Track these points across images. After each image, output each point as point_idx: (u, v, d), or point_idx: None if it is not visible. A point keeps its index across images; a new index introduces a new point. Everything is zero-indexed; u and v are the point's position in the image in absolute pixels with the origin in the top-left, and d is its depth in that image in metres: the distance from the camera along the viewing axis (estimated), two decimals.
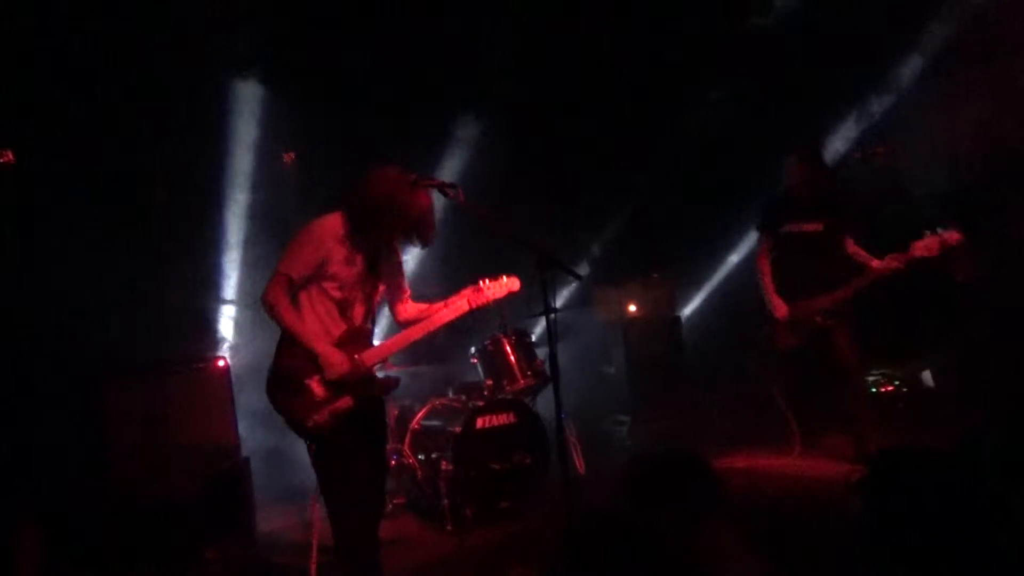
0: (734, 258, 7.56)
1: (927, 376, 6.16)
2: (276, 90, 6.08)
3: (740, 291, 7.13)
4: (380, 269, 3.51)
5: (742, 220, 7.34)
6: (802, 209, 5.07)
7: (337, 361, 3.26)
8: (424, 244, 3.49)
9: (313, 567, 3.98)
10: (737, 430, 6.13)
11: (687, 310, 7.82)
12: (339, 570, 3.36)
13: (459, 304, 3.53)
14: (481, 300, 3.53)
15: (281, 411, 3.31)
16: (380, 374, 3.55)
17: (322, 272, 3.31)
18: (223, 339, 6.08)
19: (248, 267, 6.18)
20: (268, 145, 6.17)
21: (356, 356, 3.34)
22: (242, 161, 6.14)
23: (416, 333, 3.52)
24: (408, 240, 3.46)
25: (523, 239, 3.30)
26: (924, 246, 4.62)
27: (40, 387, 4.64)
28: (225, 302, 6.06)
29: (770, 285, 5.20)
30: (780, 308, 5.13)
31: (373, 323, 3.55)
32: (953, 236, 4.56)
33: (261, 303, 3.31)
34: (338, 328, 3.35)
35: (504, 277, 3.58)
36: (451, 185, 3.39)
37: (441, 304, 3.57)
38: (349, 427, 3.29)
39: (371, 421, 3.48)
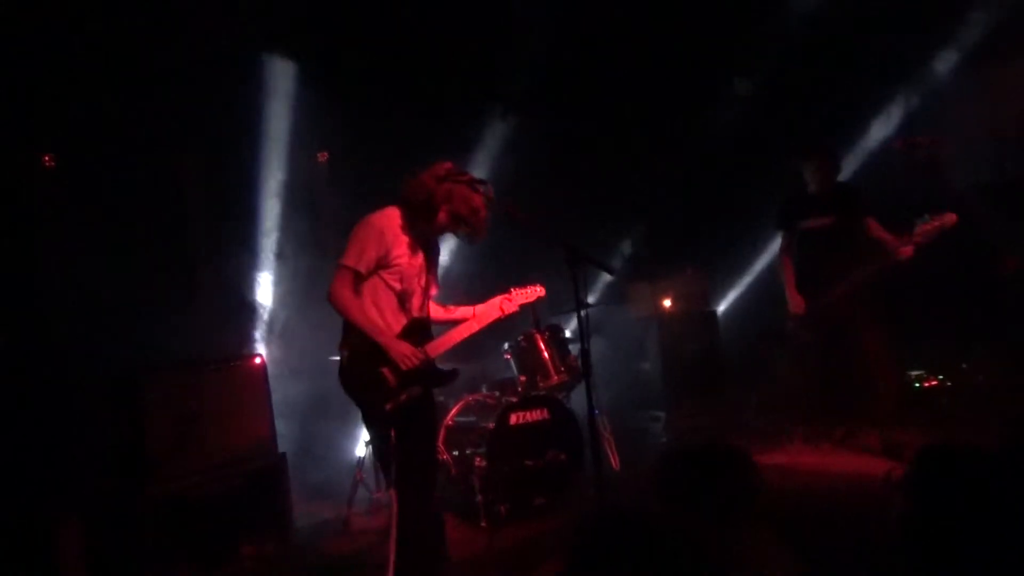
0: (771, 250, 7.45)
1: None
2: (308, 86, 6.13)
3: (777, 284, 7.07)
4: (432, 262, 3.62)
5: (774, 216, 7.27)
6: (814, 205, 5.22)
7: (409, 352, 3.36)
8: (475, 239, 3.56)
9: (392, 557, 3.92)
10: (774, 426, 6.06)
11: (723, 305, 7.75)
12: (408, 557, 3.36)
13: (491, 312, 3.71)
14: (512, 308, 3.75)
15: (358, 401, 3.41)
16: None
17: (384, 264, 3.40)
18: (258, 337, 6.17)
19: (282, 263, 6.26)
20: (301, 142, 6.22)
21: (424, 348, 3.47)
22: (275, 158, 6.20)
23: (465, 332, 3.67)
24: (462, 233, 3.54)
25: (553, 235, 3.30)
26: (922, 232, 4.75)
27: (78, 385, 4.75)
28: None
29: (790, 281, 5.34)
30: (796, 303, 5.26)
31: (428, 315, 3.65)
32: (950, 218, 4.70)
33: (328, 299, 3.39)
34: (399, 320, 3.46)
35: (530, 286, 3.85)
36: (481, 181, 3.43)
37: (469, 308, 3.73)
38: (420, 414, 3.44)
39: (432, 410, 3.62)
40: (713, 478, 2.07)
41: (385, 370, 3.36)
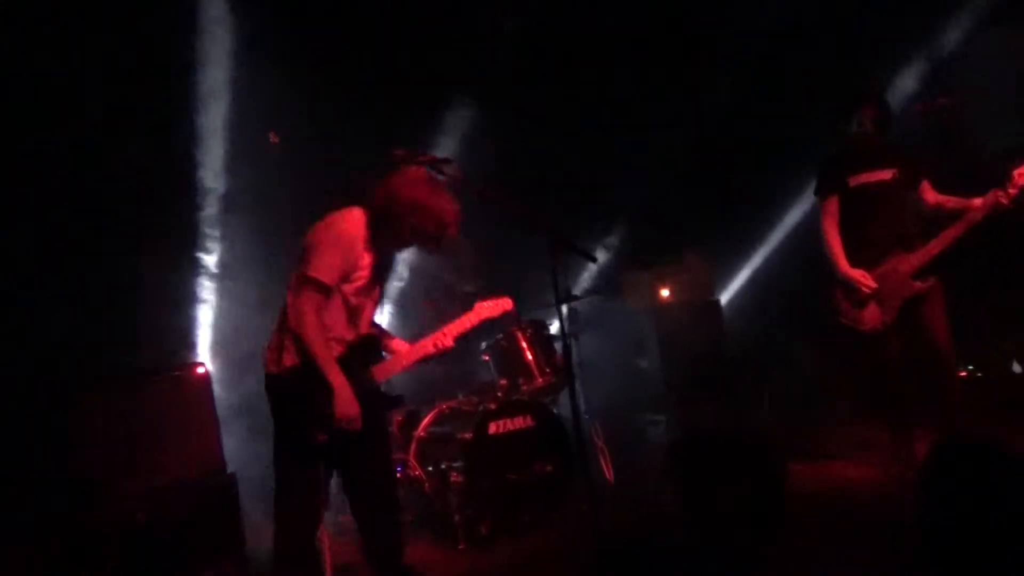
0: (780, 233, 7.53)
1: (1016, 364, 6.06)
2: (253, 63, 6.11)
3: (788, 270, 7.14)
4: (387, 274, 3.69)
5: (789, 188, 7.34)
6: (870, 157, 4.96)
7: (348, 401, 3.37)
8: (444, 253, 3.65)
9: None
10: (788, 428, 6.12)
11: (728, 293, 7.80)
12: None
13: (448, 337, 3.81)
14: (447, 343, 3.81)
15: (288, 415, 3.45)
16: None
17: (347, 278, 3.44)
18: (197, 344, 6.17)
19: (226, 266, 6.26)
20: (247, 126, 6.20)
21: (372, 370, 3.57)
22: (216, 142, 6.18)
23: (416, 355, 3.75)
24: (428, 248, 3.61)
25: (530, 219, 3.31)
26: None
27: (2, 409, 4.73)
28: None
29: (841, 255, 4.98)
30: (863, 278, 4.88)
31: (376, 330, 3.76)
32: None
33: (290, 319, 3.39)
34: (348, 336, 3.52)
35: (497, 299, 4.03)
36: (445, 160, 3.45)
37: (403, 343, 3.83)
38: (362, 446, 3.50)
39: (380, 438, 3.70)
40: (740, 485, 2.03)
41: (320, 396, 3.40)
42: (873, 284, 4.86)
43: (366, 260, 3.47)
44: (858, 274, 4.89)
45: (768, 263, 7.65)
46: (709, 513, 2.01)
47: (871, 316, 4.91)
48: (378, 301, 3.70)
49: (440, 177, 3.44)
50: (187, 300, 6.19)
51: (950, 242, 4.71)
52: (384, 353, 3.79)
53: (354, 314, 3.53)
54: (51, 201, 5.30)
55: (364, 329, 3.61)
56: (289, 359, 3.42)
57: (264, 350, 3.55)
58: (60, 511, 4.20)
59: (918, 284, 4.79)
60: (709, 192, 7.49)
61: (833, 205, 5.07)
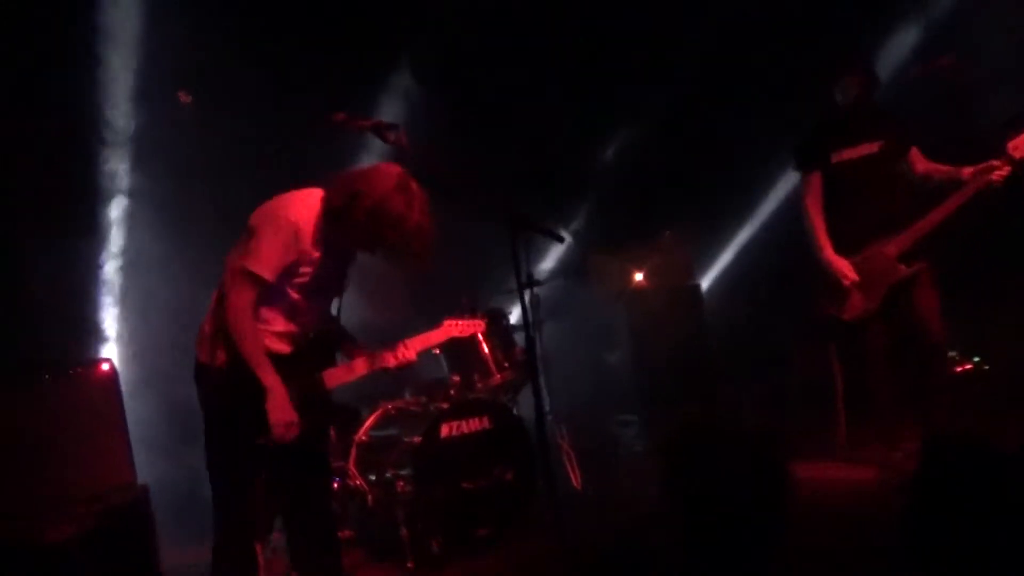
0: (767, 209, 7.60)
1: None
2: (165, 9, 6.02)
3: (776, 251, 7.22)
4: (344, 273, 3.68)
5: (778, 160, 7.39)
6: (854, 129, 5.09)
7: (281, 405, 3.37)
8: (414, 268, 3.63)
9: None
10: (778, 426, 6.20)
11: (708, 278, 7.87)
12: None
13: (411, 350, 3.85)
14: (410, 356, 3.84)
15: (222, 418, 3.44)
16: None
17: (290, 273, 3.39)
18: (107, 338, 6.07)
19: (139, 248, 6.17)
20: (157, 79, 6.10)
21: (322, 374, 3.64)
22: (121, 102, 6.08)
23: (378, 364, 3.78)
24: (393, 260, 3.58)
25: (487, 194, 3.32)
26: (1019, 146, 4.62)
27: None
28: None
29: (823, 237, 5.13)
30: (841, 267, 5.04)
31: (333, 329, 3.79)
32: None
33: (225, 307, 3.35)
34: (293, 329, 3.53)
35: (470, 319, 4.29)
36: (390, 126, 3.43)
37: (361, 352, 3.81)
38: (303, 455, 3.56)
39: (321, 448, 3.78)
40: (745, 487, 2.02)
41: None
42: (854, 277, 5.01)
43: (313, 256, 3.42)
44: (840, 264, 5.04)
45: (754, 244, 7.72)
46: (707, 520, 2.03)
47: (854, 303, 5.05)
48: (331, 297, 3.69)
49: (385, 144, 3.44)
50: (91, 285, 6.11)
51: (939, 222, 4.82)
52: (338, 356, 3.78)
53: (294, 313, 3.51)
54: None
55: (311, 325, 3.61)
56: (223, 352, 3.40)
57: (198, 335, 3.53)
58: None
59: (904, 268, 4.92)
60: (688, 163, 7.52)
61: (816, 182, 5.20)
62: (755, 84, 7.03)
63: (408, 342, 3.87)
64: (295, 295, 3.46)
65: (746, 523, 2.00)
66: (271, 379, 3.36)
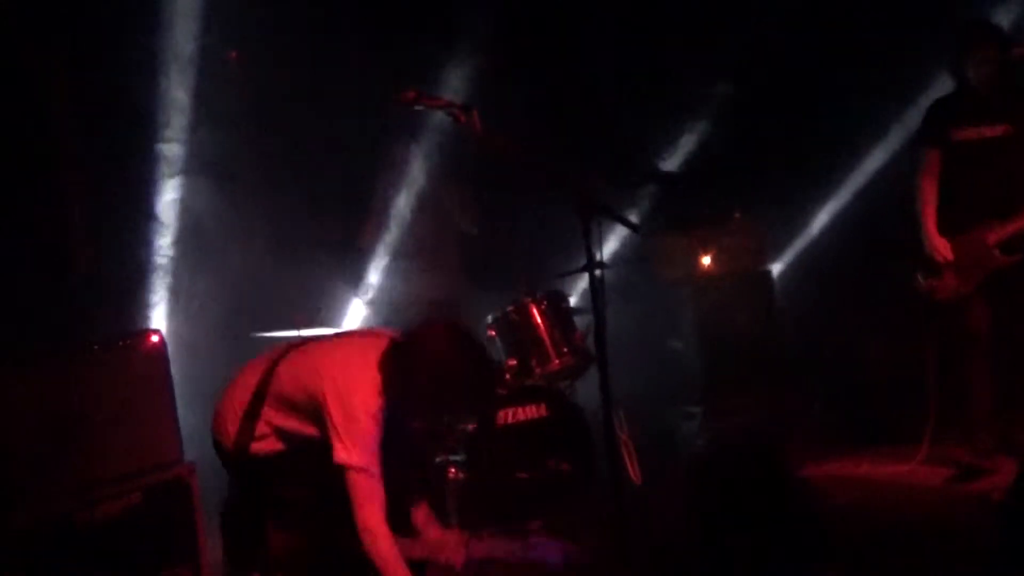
0: (847, 193, 7.49)
1: None
2: None
3: (855, 237, 7.12)
4: None
5: (859, 140, 7.30)
6: (981, 109, 5.04)
7: None
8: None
9: None
10: (849, 426, 6.16)
11: (781, 263, 7.79)
12: None
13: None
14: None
15: None
16: None
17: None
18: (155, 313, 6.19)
19: (187, 212, 6.26)
20: (210, 48, 6.19)
21: None
22: (176, 73, 6.17)
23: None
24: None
25: (559, 177, 3.33)
26: None
27: None
28: None
29: (930, 216, 5.15)
30: (941, 247, 5.08)
31: None
32: None
33: (362, 537, 3.37)
34: None
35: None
36: (463, 107, 3.45)
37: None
38: None
39: None
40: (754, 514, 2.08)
41: None
42: (949, 256, 5.04)
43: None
44: (938, 243, 5.08)
45: (831, 228, 7.59)
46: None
47: (947, 283, 5.09)
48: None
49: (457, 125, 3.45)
50: (138, 253, 6.22)
51: None
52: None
53: None
54: None
55: None
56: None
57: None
58: None
59: (1001, 257, 4.92)
60: (763, 142, 7.42)
61: (933, 159, 5.17)
62: (841, 59, 6.91)
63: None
64: None
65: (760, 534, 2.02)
66: None
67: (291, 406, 3.57)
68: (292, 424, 3.59)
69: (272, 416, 3.59)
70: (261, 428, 3.56)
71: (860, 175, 7.35)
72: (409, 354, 3.51)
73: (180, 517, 4.51)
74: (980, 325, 5.06)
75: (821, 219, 7.71)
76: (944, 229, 5.10)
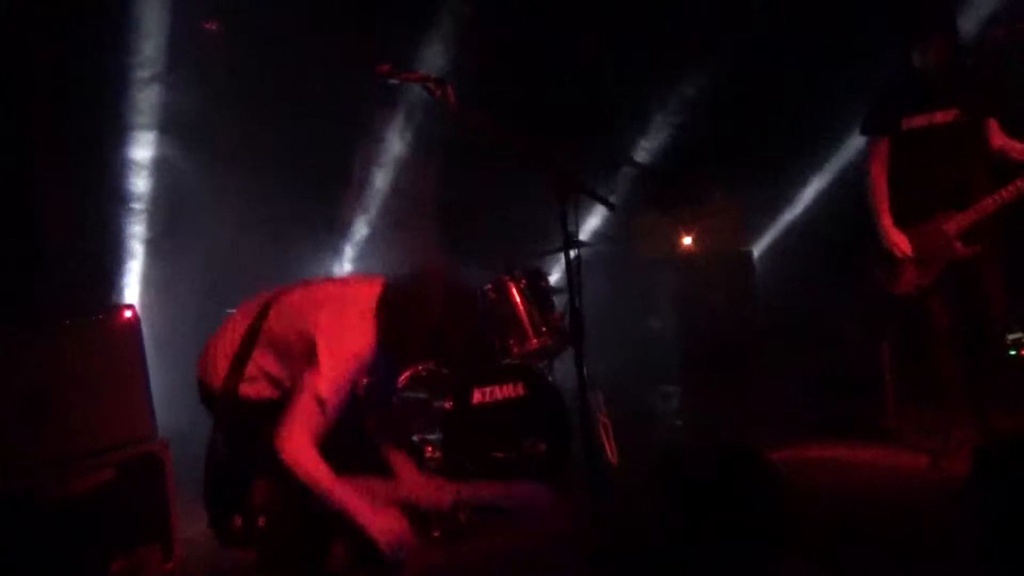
0: (829, 173, 7.53)
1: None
2: None
3: (837, 218, 7.15)
4: None
5: (842, 119, 7.30)
6: (931, 95, 5.03)
7: (389, 527, 3.35)
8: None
9: None
10: (824, 407, 6.21)
11: (761, 244, 7.82)
12: None
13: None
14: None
15: None
16: None
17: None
18: (129, 285, 6.16)
19: (164, 188, 6.22)
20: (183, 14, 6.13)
21: None
22: (153, 34, 6.10)
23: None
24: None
25: (535, 153, 3.33)
26: None
27: None
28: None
29: (884, 207, 5.14)
30: (899, 241, 5.07)
31: None
32: None
33: (281, 456, 3.27)
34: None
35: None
36: (437, 80, 3.44)
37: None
38: None
39: None
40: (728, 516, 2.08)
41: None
42: (908, 251, 5.04)
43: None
44: (896, 237, 5.07)
45: (813, 209, 7.64)
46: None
47: (907, 278, 5.08)
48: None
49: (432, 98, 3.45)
50: (112, 226, 6.18)
51: (1006, 203, 4.81)
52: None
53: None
54: None
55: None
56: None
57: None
58: None
59: (961, 248, 4.92)
60: (744, 119, 7.45)
61: (883, 148, 5.18)
62: (822, 39, 6.91)
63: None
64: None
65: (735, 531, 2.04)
66: (367, 512, 3.33)
67: (283, 349, 3.50)
68: (282, 370, 3.53)
69: (262, 359, 3.52)
70: (251, 370, 3.49)
71: (842, 158, 7.37)
72: (404, 298, 3.46)
73: (152, 493, 4.54)
74: (942, 318, 5.07)
75: (803, 201, 7.75)
76: (898, 220, 5.10)
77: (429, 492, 3.81)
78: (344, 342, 3.38)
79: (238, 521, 3.48)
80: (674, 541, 2.02)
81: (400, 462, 3.84)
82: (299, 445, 3.24)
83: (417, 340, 3.45)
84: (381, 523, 3.31)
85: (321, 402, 3.27)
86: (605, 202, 3.49)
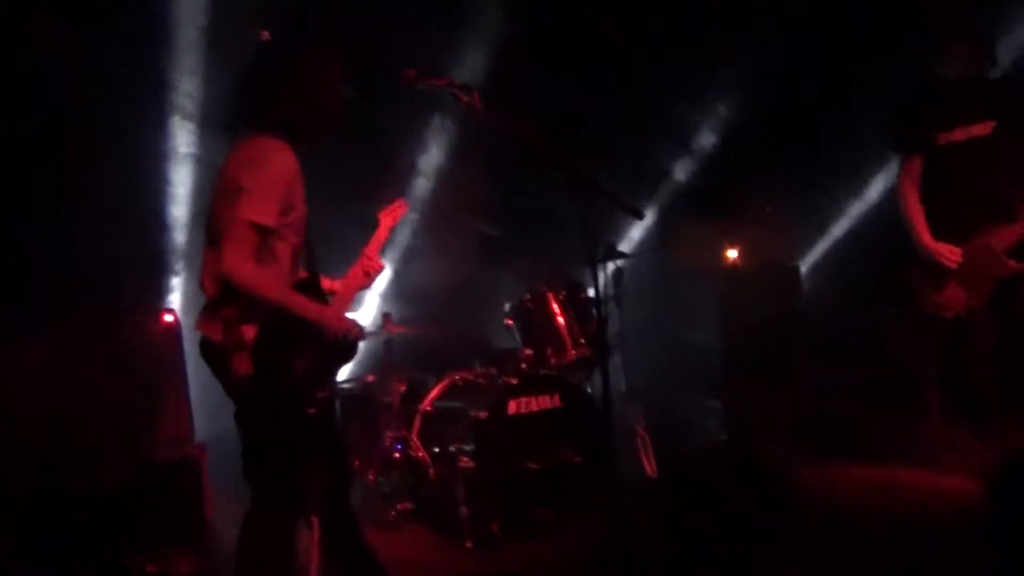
0: (879, 187, 7.42)
1: None
2: None
3: (887, 235, 7.05)
4: None
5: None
6: (963, 107, 4.88)
7: (336, 315, 3.51)
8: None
9: None
10: (869, 425, 6.11)
11: (810, 258, 7.74)
12: None
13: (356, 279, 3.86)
14: (378, 265, 3.91)
15: (267, 400, 3.43)
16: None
17: (285, 214, 3.39)
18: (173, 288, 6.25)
19: (202, 190, 6.31)
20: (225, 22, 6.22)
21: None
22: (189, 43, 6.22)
23: (356, 285, 3.87)
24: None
25: (563, 162, 3.33)
26: None
27: None
28: None
29: (921, 224, 4.98)
30: (944, 249, 4.88)
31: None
32: None
33: (229, 275, 3.28)
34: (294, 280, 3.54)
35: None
36: (464, 87, 3.46)
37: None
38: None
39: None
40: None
41: (298, 361, 3.42)
42: (958, 259, 4.84)
43: (301, 189, 3.47)
44: (942, 248, 4.87)
45: (863, 225, 7.53)
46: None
47: (954, 299, 4.92)
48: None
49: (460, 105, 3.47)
50: (155, 224, 6.29)
51: None
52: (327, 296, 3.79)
53: (297, 257, 3.53)
54: None
55: (305, 272, 3.62)
56: (254, 321, 3.39)
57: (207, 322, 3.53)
58: None
59: (1013, 264, 4.76)
60: (796, 132, 7.38)
61: (915, 166, 5.05)
62: (877, 49, 6.82)
63: (366, 251, 3.91)
64: (295, 239, 3.47)
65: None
66: (311, 305, 3.44)
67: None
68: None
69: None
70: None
71: (893, 171, 7.25)
72: (270, 78, 3.46)
73: (187, 496, 4.59)
74: (986, 336, 4.93)
75: (852, 218, 7.63)
76: (938, 238, 4.91)
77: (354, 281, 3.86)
78: (263, 167, 3.36)
79: None
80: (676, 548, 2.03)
81: (332, 283, 3.87)
82: (239, 265, 3.26)
83: (304, 103, 3.44)
84: (330, 312, 3.51)
85: (251, 224, 3.27)
86: (634, 211, 3.47)
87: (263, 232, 3.30)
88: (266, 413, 3.43)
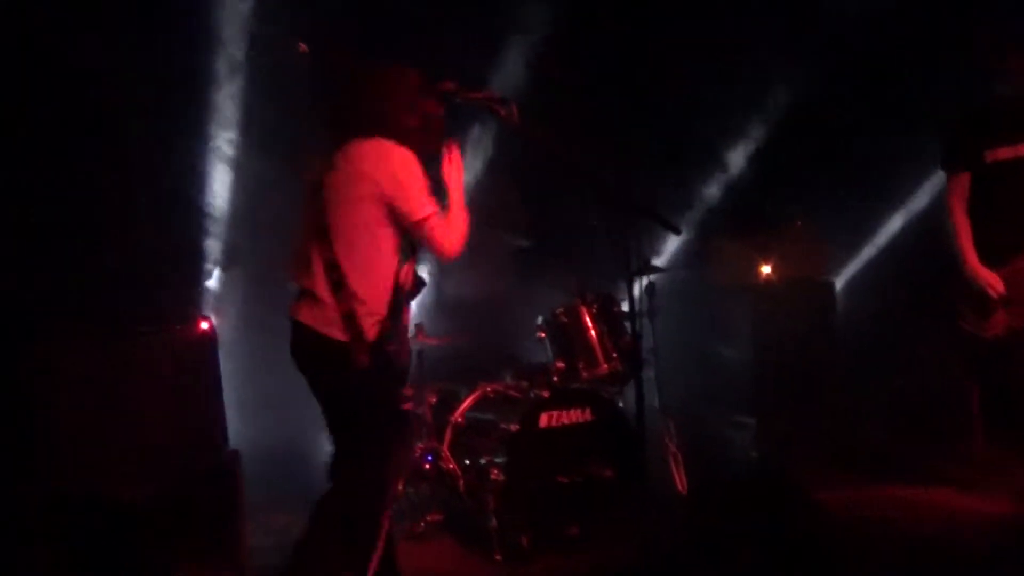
0: (918, 204, 7.39)
1: None
2: None
3: (923, 252, 7.02)
4: None
5: (933, 149, 7.18)
6: (1016, 124, 4.84)
7: None
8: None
9: None
10: (903, 444, 6.08)
11: (845, 275, 7.71)
12: None
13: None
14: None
15: (380, 397, 3.61)
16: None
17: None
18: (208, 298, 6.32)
19: (245, 196, 6.38)
20: (265, 32, 6.29)
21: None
22: (232, 52, 6.31)
23: None
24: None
25: (599, 178, 3.34)
26: None
27: None
28: None
29: (968, 245, 4.94)
30: (990, 278, 4.83)
31: None
32: None
33: (451, 259, 3.55)
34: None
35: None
36: (502, 100, 3.48)
37: None
38: None
39: None
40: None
41: (403, 355, 3.63)
42: (1001, 290, 4.80)
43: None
44: (987, 275, 4.83)
45: (899, 241, 7.50)
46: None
47: (998, 319, 4.86)
48: None
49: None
50: (190, 237, 6.35)
51: None
52: None
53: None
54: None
55: None
56: (374, 314, 3.52)
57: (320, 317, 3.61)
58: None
59: None
60: (831, 147, 7.36)
61: (963, 184, 5.00)
62: (915, 62, 6.79)
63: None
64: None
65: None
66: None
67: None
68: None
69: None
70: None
71: (931, 189, 7.22)
72: (353, 97, 3.60)
73: (222, 505, 4.61)
74: None
75: (889, 233, 7.59)
76: (985, 258, 4.88)
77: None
78: (407, 162, 3.46)
79: None
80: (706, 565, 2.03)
81: None
82: (449, 248, 3.51)
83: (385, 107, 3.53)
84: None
85: (426, 223, 3.44)
86: (670, 226, 3.48)
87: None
88: (379, 404, 3.58)
